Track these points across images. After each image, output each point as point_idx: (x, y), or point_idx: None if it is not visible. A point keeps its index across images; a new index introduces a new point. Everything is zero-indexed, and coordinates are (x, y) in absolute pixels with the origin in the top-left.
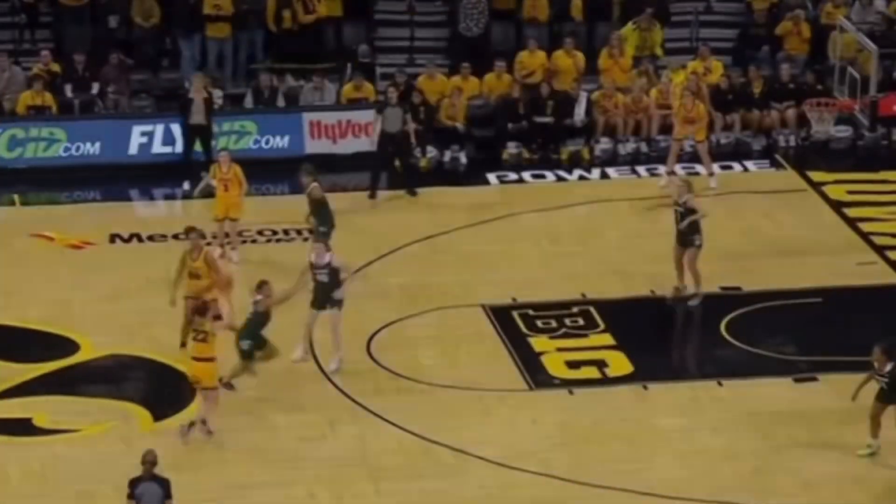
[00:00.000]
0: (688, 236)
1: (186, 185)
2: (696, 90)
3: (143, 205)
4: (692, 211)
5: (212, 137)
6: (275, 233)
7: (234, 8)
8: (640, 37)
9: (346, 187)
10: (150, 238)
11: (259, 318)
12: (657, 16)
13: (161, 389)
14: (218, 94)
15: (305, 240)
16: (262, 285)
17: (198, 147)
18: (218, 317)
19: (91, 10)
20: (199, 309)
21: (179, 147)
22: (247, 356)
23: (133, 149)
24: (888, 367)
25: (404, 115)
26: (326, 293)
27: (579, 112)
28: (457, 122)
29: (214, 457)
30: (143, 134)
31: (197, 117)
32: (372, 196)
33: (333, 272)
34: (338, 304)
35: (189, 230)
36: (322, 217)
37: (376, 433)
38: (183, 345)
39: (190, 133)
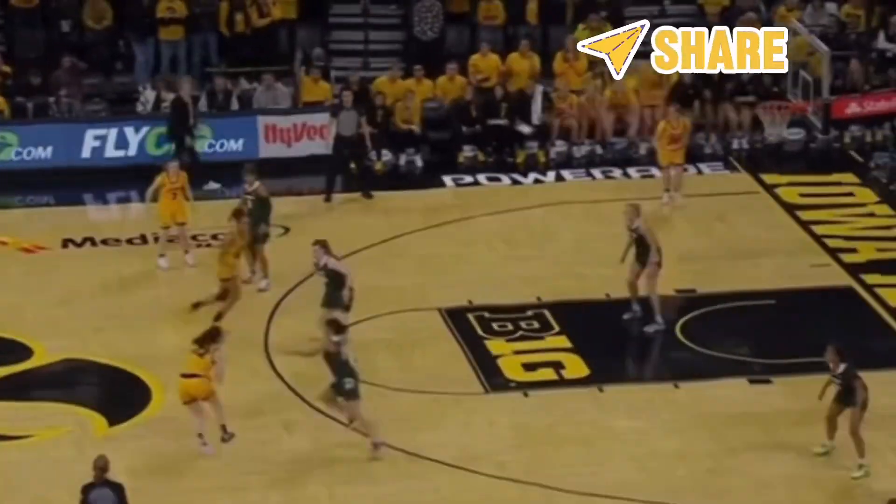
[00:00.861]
0: (645, 256)
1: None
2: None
3: (96, 209)
4: (643, 237)
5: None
6: None
7: (188, 11)
8: (591, 37)
9: (301, 191)
10: (104, 242)
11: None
12: (610, 18)
13: (115, 394)
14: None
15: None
16: (340, 329)
17: (162, 150)
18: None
19: (43, 13)
20: (214, 335)
21: (133, 151)
22: (352, 394)
23: (86, 153)
24: (841, 369)
25: (359, 118)
26: (325, 297)
27: (536, 109)
28: (412, 125)
29: (169, 462)
30: (97, 138)
31: (192, 119)
32: (327, 199)
33: (331, 275)
34: (342, 307)
35: (238, 213)
36: (264, 217)
37: (331, 437)
38: (197, 306)
39: (184, 135)
